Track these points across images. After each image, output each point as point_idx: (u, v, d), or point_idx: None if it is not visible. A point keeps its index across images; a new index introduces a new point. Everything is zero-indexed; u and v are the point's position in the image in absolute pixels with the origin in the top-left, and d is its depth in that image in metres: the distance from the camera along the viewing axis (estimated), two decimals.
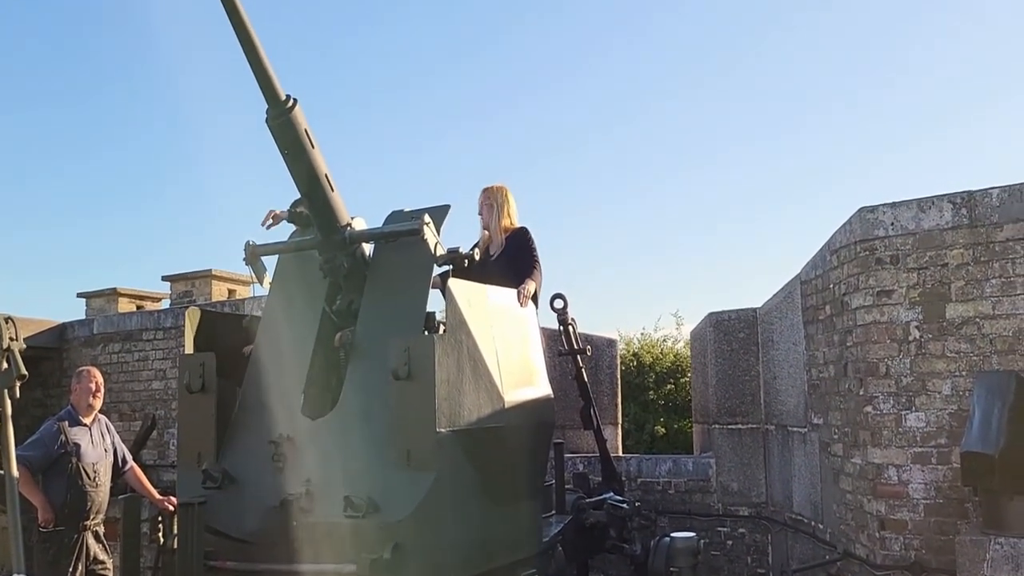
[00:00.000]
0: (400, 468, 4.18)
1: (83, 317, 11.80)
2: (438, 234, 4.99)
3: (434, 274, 4.94)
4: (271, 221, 5.24)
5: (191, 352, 4.89)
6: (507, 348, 4.80)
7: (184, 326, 5.03)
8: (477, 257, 4.86)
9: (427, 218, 4.82)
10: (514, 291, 5.18)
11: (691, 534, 5.37)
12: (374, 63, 43.63)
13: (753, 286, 32.07)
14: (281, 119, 4.24)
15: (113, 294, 12.15)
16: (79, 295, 12.60)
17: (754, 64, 36.02)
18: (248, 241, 5.06)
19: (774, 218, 35.52)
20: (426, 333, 4.76)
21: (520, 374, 4.94)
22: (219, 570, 4.25)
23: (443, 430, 4.19)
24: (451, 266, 4.83)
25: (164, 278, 12.00)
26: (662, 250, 35.43)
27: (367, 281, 4.93)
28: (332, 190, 4.62)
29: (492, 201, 5.80)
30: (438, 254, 4.78)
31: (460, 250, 4.84)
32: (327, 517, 4.17)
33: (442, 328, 4.78)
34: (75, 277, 39.55)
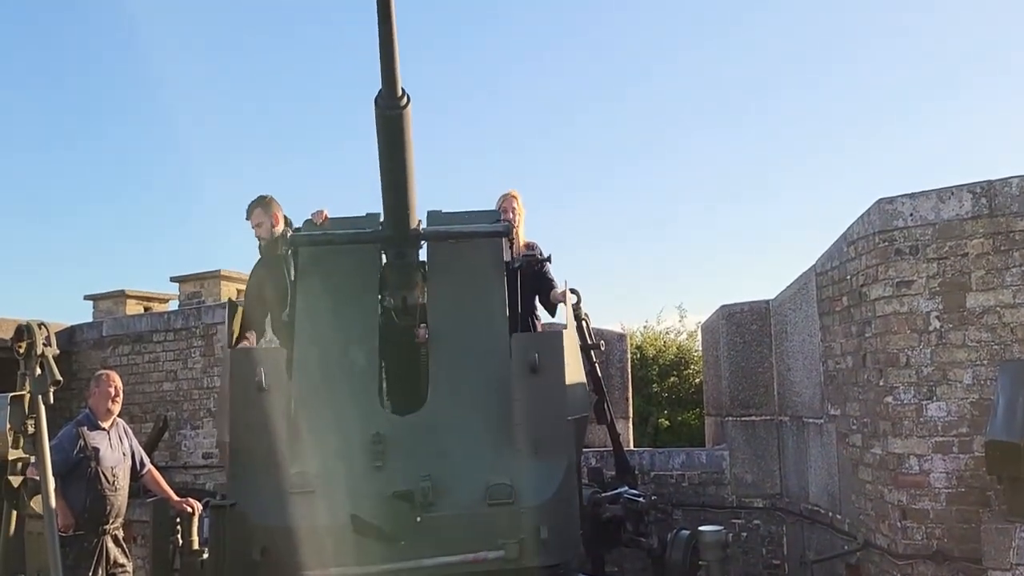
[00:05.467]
0: (529, 456, 4.44)
1: (90, 319, 11.78)
2: None
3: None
4: (322, 220, 5.28)
5: (240, 347, 4.74)
6: (573, 345, 5.23)
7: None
8: (552, 261, 5.18)
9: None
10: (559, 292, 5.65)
11: (719, 527, 5.37)
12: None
13: (758, 279, 32.13)
14: (395, 112, 4.25)
15: (121, 296, 12.11)
16: (86, 297, 12.58)
17: (756, 49, 36.00)
18: (286, 231, 4.97)
19: (778, 210, 35.54)
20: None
21: (580, 368, 5.33)
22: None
23: (570, 418, 4.54)
24: (519, 266, 5.05)
25: (172, 279, 11.97)
26: (663, 243, 35.46)
27: (432, 278, 5.02)
28: (414, 188, 4.68)
29: (513, 208, 5.93)
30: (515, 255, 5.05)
31: (536, 253, 5.11)
32: (464, 508, 4.30)
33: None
34: (80, 279, 39.47)
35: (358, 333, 4.80)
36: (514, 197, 5.96)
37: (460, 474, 4.39)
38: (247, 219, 5.87)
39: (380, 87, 4.20)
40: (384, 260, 5.26)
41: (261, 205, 5.84)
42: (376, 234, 5.02)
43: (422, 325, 4.97)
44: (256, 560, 4.28)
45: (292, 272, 5.11)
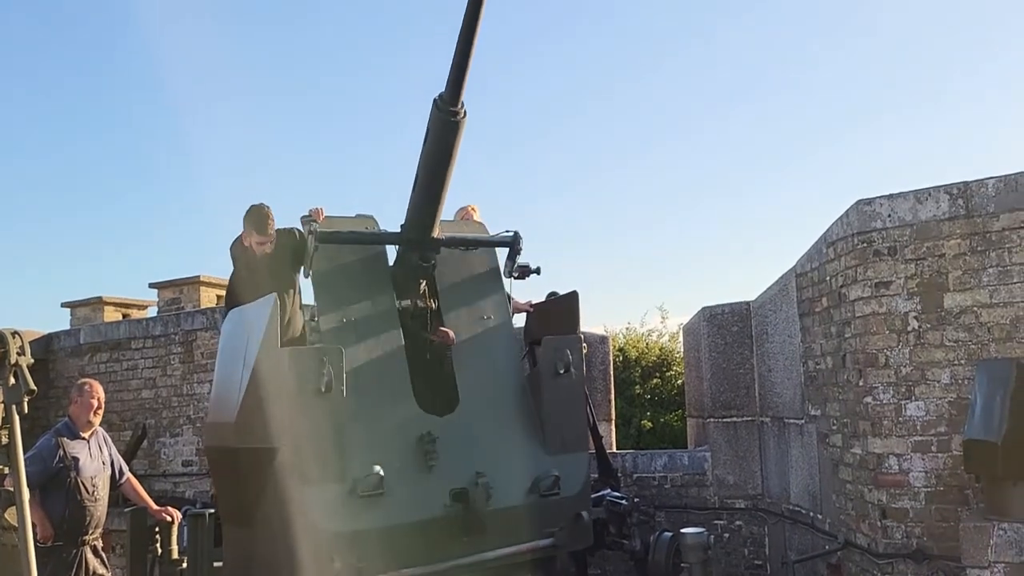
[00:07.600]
0: (560, 449, 4.82)
1: (68, 327, 11.64)
2: None
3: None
4: (321, 219, 5.21)
5: (298, 347, 4.53)
6: None
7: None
8: (540, 273, 5.53)
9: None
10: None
11: (700, 529, 5.40)
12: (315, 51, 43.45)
13: (741, 281, 32.28)
14: (454, 118, 4.38)
15: (98, 303, 11.94)
16: (63, 305, 12.37)
17: (733, 53, 36.21)
18: (312, 226, 4.77)
19: (761, 212, 35.74)
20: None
21: None
22: None
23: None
24: (513, 277, 5.32)
25: (151, 285, 11.82)
26: (646, 246, 35.58)
27: (444, 282, 5.21)
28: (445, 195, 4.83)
29: (473, 221, 6.09)
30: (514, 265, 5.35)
31: (530, 265, 5.38)
32: (517, 500, 4.61)
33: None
34: (56, 286, 39.03)
35: (384, 334, 4.84)
36: (473, 210, 6.15)
37: (505, 470, 4.64)
38: (259, 232, 5.03)
39: (443, 90, 4.32)
40: (389, 263, 5.35)
41: (272, 217, 5.08)
42: (400, 235, 5.13)
43: (440, 327, 5.13)
44: (337, 568, 4.07)
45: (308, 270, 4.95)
